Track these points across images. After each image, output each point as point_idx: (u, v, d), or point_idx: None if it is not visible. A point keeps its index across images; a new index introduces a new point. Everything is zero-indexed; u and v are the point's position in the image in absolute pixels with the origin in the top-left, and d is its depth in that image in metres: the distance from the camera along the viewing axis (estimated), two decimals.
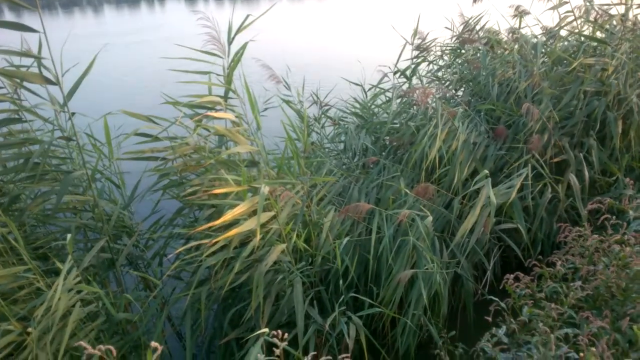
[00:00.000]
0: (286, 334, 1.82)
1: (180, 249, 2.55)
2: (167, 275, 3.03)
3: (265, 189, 2.45)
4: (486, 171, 3.13)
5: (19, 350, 2.15)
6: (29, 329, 2.08)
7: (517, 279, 2.73)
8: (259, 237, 2.50)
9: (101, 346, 1.50)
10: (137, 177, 3.43)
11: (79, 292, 2.37)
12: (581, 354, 1.94)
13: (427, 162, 3.62)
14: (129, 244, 3.10)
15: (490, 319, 2.54)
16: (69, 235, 2.23)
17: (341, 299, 2.87)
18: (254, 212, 2.58)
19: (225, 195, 2.86)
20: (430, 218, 3.12)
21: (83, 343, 1.49)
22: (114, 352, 1.50)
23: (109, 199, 3.56)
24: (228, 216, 2.42)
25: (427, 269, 2.97)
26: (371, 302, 2.96)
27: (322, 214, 3.19)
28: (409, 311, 3.00)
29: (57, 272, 2.76)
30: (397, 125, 4.61)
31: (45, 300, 2.12)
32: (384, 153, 4.42)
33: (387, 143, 4.54)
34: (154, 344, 1.53)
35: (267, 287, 2.81)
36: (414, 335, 3.11)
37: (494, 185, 3.30)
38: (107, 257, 3.08)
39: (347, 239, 3.09)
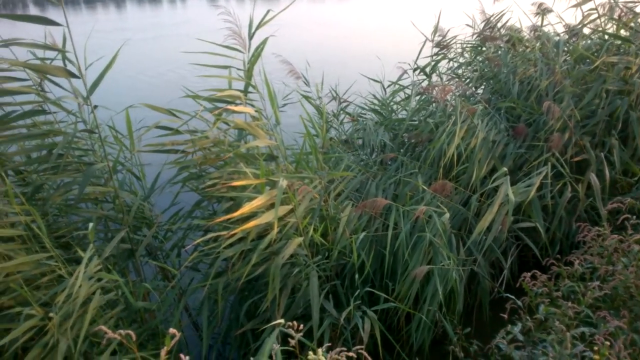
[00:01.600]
0: (301, 326, 1.84)
1: (199, 240, 2.59)
2: (185, 266, 3.07)
3: (283, 182, 2.47)
4: (505, 169, 3.12)
5: (41, 335, 2.21)
6: (51, 314, 2.13)
7: (534, 277, 2.72)
8: (276, 229, 2.52)
9: (121, 331, 1.53)
10: (158, 169, 3.48)
11: (99, 280, 2.42)
12: (595, 348, 1.93)
13: (445, 159, 3.61)
14: (148, 235, 3.15)
15: (506, 316, 2.54)
16: (90, 225, 2.28)
17: (356, 293, 2.89)
18: (271, 206, 2.61)
19: (244, 188, 2.89)
20: (448, 215, 3.11)
21: (103, 327, 1.53)
22: (134, 336, 1.53)
23: (130, 191, 3.61)
24: (246, 208, 2.45)
25: (443, 265, 2.97)
26: (386, 296, 2.97)
27: (339, 208, 3.20)
28: (424, 307, 3.00)
29: (78, 261, 2.81)
30: (416, 122, 4.60)
31: (66, 287, 2.17)
32: (402, 150, 4.41)
33: (406, 140, 4.53)
34: (172, 330, 1.56)
35: (283, 279, 2.84)
36: (429, 331, 3.11)
37: (513, 183, 3.28)
38: (127, 248, 3.13)
39: (363, 234, 3.10)
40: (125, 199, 3.24)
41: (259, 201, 2.49)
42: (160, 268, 3.55)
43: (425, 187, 3.43)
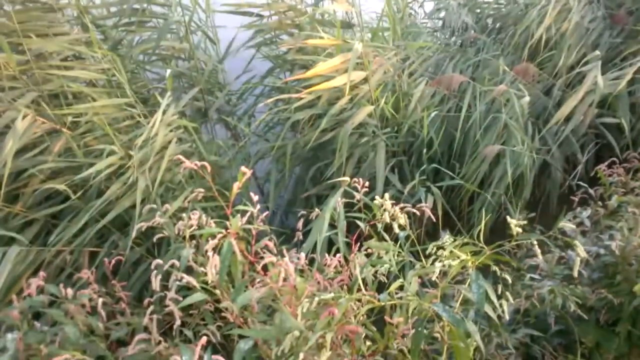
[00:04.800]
0: (367, 183, 1.87)
1: (270, 100, 2.61)
2: (254, 132, 3.12)
3: (358, 46, 2.40)
4: (598, 52, 2.89)
5: (119, 174, 2.34)
6: (131, 152, 2.24)
7: (610, 166, 2.59)
8: (347, 94, 2.50)
9: (197, 162, 1.60)
10: (232, 33, 3.45)
11: (176, 129, 2.50)
12: None
13: (533, 40, 3.37)
14: (221, 96, 3.21)
15: (575, 200, 2.46)
16: (168, 71, 2.33)
17: (422, 168, 2.86)
18: (345, 71, 2.56)
19: (317, 54, 2.85)
20: (527, 98, 2.96)
21: (181, 157, 1.60)
22: (209, 168, 1.60)
23: (204, 54, 3.63)
24: (320, 69, 2.42)
25: (515, 148, 2.88)
26: (452, 174, 2.94)
27: (413, 85, 3.11)
28: (490, 189, 2.95)
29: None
30: (503, 4, 4.29)
31: (145, 131, 2.26)
32: (484, 34, 4.16)
33: (490, 23, 4.26)
34: (243, 168, 1.62)
35: (351, 148, 2.84)
36: (492, 213, 3.08)
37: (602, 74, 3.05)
38: (200, 106, 3.21)
39: (435, 111, 3.02)
40: (200, 59, 3.27)
41: (332, 62, 2.44)
42: (231, 133, 3.64)
43: (506, 69, 3.25)
